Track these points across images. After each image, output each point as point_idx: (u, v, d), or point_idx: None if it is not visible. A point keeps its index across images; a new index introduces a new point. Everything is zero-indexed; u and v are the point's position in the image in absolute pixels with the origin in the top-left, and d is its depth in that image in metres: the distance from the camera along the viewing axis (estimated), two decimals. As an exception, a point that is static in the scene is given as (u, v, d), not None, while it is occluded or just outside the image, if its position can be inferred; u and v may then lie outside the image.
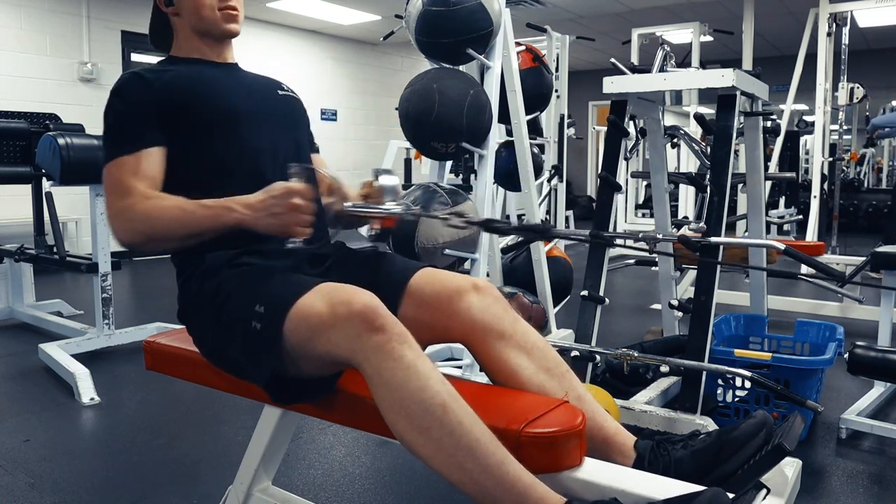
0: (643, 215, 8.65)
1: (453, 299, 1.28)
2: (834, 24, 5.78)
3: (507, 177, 3.07)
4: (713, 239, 2.06)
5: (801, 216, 6.46)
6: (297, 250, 1.24)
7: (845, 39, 5.85)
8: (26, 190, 4.02)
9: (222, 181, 1.36)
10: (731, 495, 1.00)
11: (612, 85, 2.28)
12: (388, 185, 1.30)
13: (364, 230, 1.41)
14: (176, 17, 1.50)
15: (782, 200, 7.90)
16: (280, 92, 1.57)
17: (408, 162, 7.87)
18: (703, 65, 5.24)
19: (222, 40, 1.52)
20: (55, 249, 3.55)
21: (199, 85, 1.42)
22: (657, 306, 4.08)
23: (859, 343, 2.11)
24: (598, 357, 2.20)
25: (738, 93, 2.12)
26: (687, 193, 7.06)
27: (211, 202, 1.26)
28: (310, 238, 1.24)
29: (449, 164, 2.87)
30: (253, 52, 7.58)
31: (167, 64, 1.50)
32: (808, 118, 8.89)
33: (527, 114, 2.93)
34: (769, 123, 5.88)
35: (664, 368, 2.06)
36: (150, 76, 1.39)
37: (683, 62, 5.81)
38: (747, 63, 6.37)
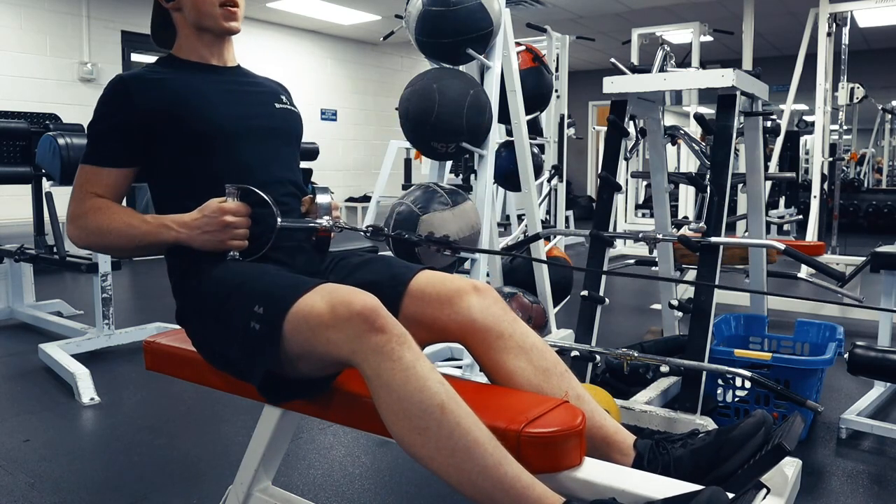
0: (643, 215, 8.64)
1: (453, 300, 1.28)
2: (834, 24, 5.78)
3: (507, 177, 3.07)
4: (713, 239, 2.06)
5: (801, 216, 6.46)
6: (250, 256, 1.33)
7: (845, 39, 5.85)
8: (26, 190, 4.02)
9: (213, 195, 1.35)
10: (730, 495, 1.00)
11: (612, 85, 2.28)
12: (322, 203, 1.47)
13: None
14: (177, 12, 1.48)
15: (782, 200, 7.90)
16: (278, 105, 1.55)
17: (408, 162, 7.87)
18: (703, 65, 5.24)
19: (222, 38, 1.51)
20: (55, 249, 3.55)
21: (193, 95, 1.41)
22: (657, 306, 4.08)
23: (859, 343, 2.11)
24: (598, 357, 2.20)
25: (738, 93, 2.11)
26: (687, 193, 7.06)
27: (152, 219, 1.35)
28: (247, 251, 1.34)
29: (449, 164, 2.87)
30: (253, 52, 7.58)
31: (165, 65, 1.49)
32: (808, 118, 8.89)
33: (527, 114, 2.93)
34: (769, 123, 5.86)
35: (664, 368, 2.06)
36: (138, 86, 1.38)
37: (683, 62, 5.81)
38: (747, 63, 6.36)
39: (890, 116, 10.92)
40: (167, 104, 1.38)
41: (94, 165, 1.39)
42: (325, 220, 1.45)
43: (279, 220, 1.37)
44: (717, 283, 2.06)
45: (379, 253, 1.67)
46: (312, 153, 4.12)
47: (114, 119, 1.38)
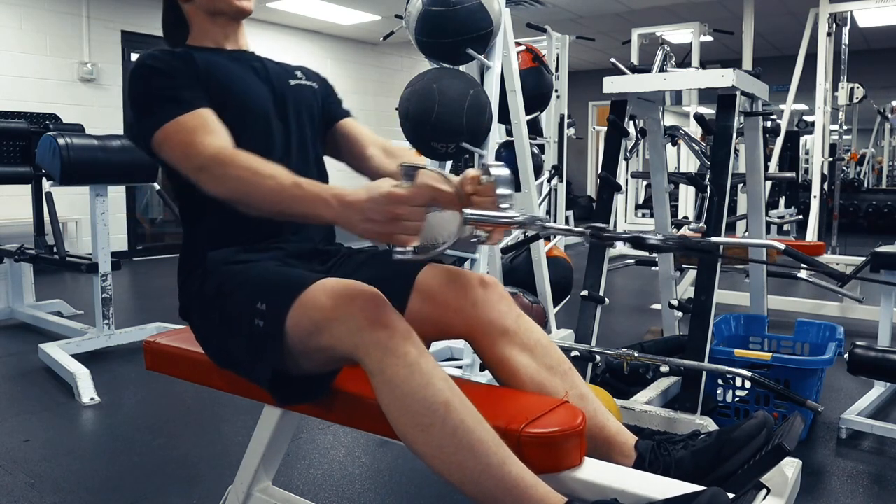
0: (643, 215, 8.64)
1: (459, 294, 1.27)
2: (834, 24, 5.79)
3: (507, 177, 3.07)
4: (713, 239, 2.06)
5: (801, 216, 6.47)
6: (404, 259, 1.07)
7: (845, 39, 5.85)
8: (26, 190, 4.02)
9: None
10: (731, 495, 1.00)
11: (612, 85, 2.28)
12: (502, 176, 1.11)
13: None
14: (188, 3, 1.45)
15: (782, 200, 7.90)
16: (292, 82, 1.51)
17: (408, 162, 7.85)
18: (703, 65, 5.25)
19: (237, 20, 1.47)
20: (55, 249, 3.55)
21: (220, 74, 1.37)
22: (657, 306, 4.08)
23: (859, 343, 2.11)
24: (598, 357, 2.20)
25: (738, 93, 2.12)
26: (687, 193, 7.07)
27: (309, 186, 1.12)
28: (418, 248, 1.07)
29: (449, 164, 2.87)
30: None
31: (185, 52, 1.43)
32: (808, 118, 8.90)
33: (527, 114, 2.93)
34: (769, 123, 5.87)
35: (664, 368, 2.06)
36: (176, 54, 1.34)
37: (683, 62, 5.82)
38: (747, 63, 6.37)
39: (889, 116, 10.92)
40: (205, 76, 1.34)
41: (183, 114, 1.23)
42: (520, 214, 1.11)
43: (465, 211, 1.12)
44: (716, 285, 2.07)
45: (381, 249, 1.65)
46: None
47: (178, 67, 1.29)
